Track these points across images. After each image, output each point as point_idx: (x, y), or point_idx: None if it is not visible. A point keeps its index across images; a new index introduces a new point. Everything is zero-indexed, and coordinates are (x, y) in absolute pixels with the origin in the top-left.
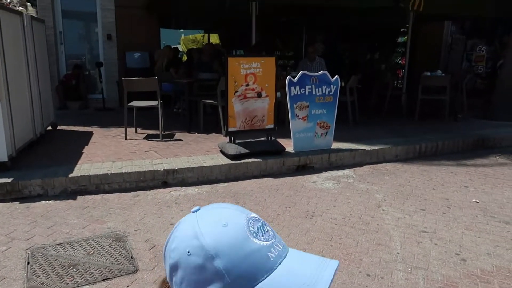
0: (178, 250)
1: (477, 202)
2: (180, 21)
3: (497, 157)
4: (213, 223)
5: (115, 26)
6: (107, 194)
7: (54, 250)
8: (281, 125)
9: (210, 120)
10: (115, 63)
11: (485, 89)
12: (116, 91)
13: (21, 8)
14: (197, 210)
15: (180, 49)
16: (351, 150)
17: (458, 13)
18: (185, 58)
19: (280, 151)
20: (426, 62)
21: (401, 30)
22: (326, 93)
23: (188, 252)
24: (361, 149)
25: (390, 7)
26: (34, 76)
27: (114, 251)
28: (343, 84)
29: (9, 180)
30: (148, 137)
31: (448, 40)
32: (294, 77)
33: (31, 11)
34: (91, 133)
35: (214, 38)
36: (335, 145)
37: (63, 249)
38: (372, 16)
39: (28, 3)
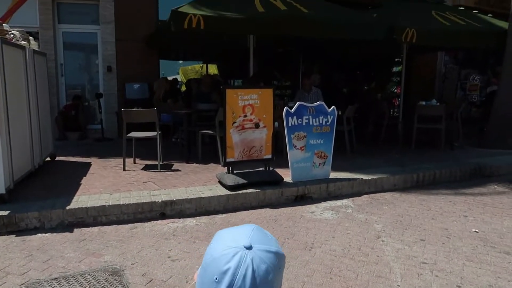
0: None
1: (477, 232)
2: (179, 53)
3: (495, 186)
4: None
5: (115, 58)
6: (105, 226)
7: (49, 285)
8: (279, 154)
9: (209, 150)
10: (115, 94)
11: (479, 117)
12: (115, 121)
13: (23, 42)
14: None
15: (179, 79)
16: (349, 179)
17: (450, 44)
18: (183, 88)
19: (278, 181)
20: (421, 91)
21: (396, 60)
22: (323, 123)
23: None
24: (359, 178)
25: (384, 39)
26: (35, 108)
27: (111, 285)
28: (339, 113)
29: (6, 213)
30: (147, 168)
31: (442, 69)
32: (291, 108)
33: (34, 45)
34: (89, 164)
35: (213, 69)
36: (333, 175)
37: (58, 284)
38: (367, 47)
39: (31, 37)
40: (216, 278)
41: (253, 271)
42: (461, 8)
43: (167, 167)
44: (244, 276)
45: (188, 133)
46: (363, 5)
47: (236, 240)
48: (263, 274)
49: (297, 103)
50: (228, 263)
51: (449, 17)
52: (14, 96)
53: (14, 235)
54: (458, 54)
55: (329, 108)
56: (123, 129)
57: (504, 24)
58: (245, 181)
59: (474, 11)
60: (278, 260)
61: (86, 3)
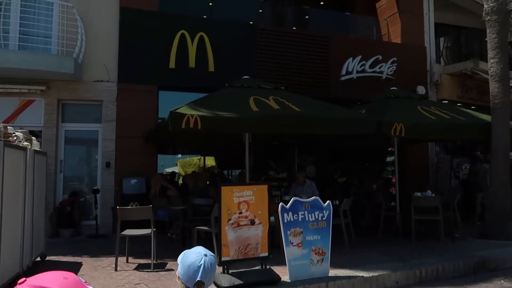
0: None
1: None
2: (178, 148)
3: (501, 281)
4: None
5: (114, 154)
6: None
7: None
8: (277, 249)
9: (205, 245)
10: (112, 189)
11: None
12: (111, 217)
13: (26, 143)
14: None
15: (177, 171)
16: (349, 277)
17: (437, 137)
18: (181, 181)
19: (275, 281)
20: (415, 181)
21: (389, 149)
22: (319, 219)
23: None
24: (359, 276)
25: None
26: (29, 207)
27: None
28: (336, 203)
29: None
30: (140, 267)
31: (434, 159)
32: (286, 202)
33: (35, 144)
34: (80, 264)
35: (211, 161)
36: (332, 272)
37: None
38: (360, 138)
39: (33, 138)
40: (197, 268)
41: (210, 263)
42: (445, 101)
43: (160, 266)
44: (209, 264)
45: (184, 229)
46: (352, 101)
47: (198, 253)
48: (213, 263)
49: (292, 198)
50: (200, 262)
51: (434, 111)
52: (10, 196)
53: None
54: (448, 143)
55: (324, 202)
56: (117, 226)
57: (487, 117)
58: (241, 282)
59: (457, 105)
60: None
61: (90, 103)
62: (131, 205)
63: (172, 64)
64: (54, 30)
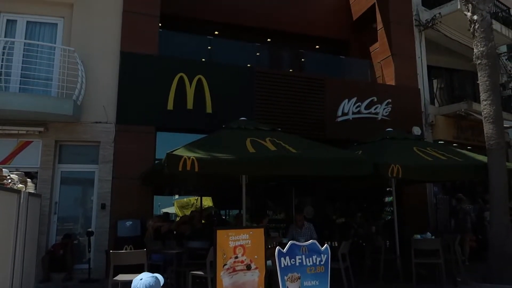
0: None
1: None
2: (174, 189)
3: None
4: None
5: (110, 195)
6: None
7: None
8: None
9: None
10: (106, 231)
11: (477, 247)
12: (104, 260)
13: (20, 185)
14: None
15: (173, 211)
16: None
17: (434, 178)
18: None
19: None
20: (415, 222)
21: (387, 189)
22: (317, 263)
23: None
24: None
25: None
26: (20, 252)
27: None
28: (335, 244)
29: None
30: None
31: (432, 199)
32: (284, 245)
33: (30, 187)
34: None
35: (208, 201)
36: None
37: None
38: (358, 179)
39: (28, 180)
40: None
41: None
42: (441, 142)
43: None
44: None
45: (178, 274)
46: (348, 142)
47: (136, 278)
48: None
49: (289, 242)
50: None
51: (430, 152)
52: (0, 240)
53: None
54: (446, 183)
55: (323, 244)
56: (110, 271)
57: (483, 158)
58: None
59: (453, 145)
60: (156, 281)
61: (88, 144)
62: (125, 249)
63: (170, 106)
64: (55, 73)
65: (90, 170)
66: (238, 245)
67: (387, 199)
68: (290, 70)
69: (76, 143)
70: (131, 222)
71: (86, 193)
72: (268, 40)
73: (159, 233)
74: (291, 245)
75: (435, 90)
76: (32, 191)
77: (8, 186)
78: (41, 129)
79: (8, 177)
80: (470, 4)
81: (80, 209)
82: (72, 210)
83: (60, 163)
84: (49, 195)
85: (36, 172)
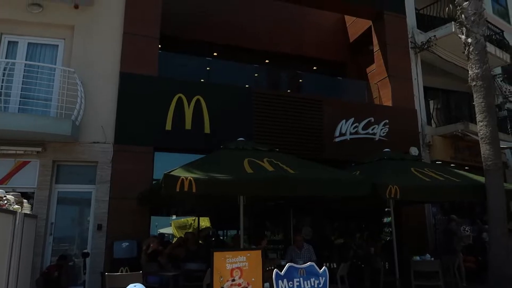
0: None
1: None
2: (171, 210)
3: None
4: None
5: (106, 216)
6: None
7: None
8: None
9: None
10: (102, 252)
11: (476, 268)
12: (99, 282)
13: (16, 206)
14: None
15: (170, 232)
16: None
17: (432, 199)
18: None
19: None
20: (414, 243)
21: (386, 209)
22: (315, 286)
23: None
24: None
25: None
26: (14, 273)
27: None
28: (334, 265)
29: None
30: None
31: (431, 220)
32: (282, 267)
33: (26, 207)
34: None
35: (205, 221)
36: None
37: None
38: (355, 200)
39: (24, 200)
40: None
41: None
42: (438, 162)
43: None
44: None
45: None
46: (346, 163)
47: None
48: None
49: (287, 264)
50: None
51: (428, 173)
52: None
53: None
54: (445, 204)
55: (321, 265)
56: None
57: (481, 178)
58: None
59: (451, 165)
60: None
61: (85, 164)
62: (121, 271)
63: (168, 126)
64: (54, 94)
65: (87, 190)
66: (235, 267)
67: (385, 220)
68: (288, 91)
69: (73, 163)
70: (127, 243)
71: (83, 213)
72: (267, 61)
73: (155, 255)
74: (289, 267)
75: (431, 111)
76: (28, 212)
77: (4, 207)
78: (39, 149)
79: (4, 198)
80: (464, 28)
81: (76, 230)
82: (68, 231)
83: (57, 183)
84: (45, 216)
85: (33, 192)
